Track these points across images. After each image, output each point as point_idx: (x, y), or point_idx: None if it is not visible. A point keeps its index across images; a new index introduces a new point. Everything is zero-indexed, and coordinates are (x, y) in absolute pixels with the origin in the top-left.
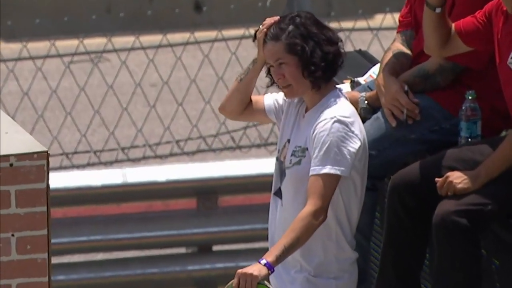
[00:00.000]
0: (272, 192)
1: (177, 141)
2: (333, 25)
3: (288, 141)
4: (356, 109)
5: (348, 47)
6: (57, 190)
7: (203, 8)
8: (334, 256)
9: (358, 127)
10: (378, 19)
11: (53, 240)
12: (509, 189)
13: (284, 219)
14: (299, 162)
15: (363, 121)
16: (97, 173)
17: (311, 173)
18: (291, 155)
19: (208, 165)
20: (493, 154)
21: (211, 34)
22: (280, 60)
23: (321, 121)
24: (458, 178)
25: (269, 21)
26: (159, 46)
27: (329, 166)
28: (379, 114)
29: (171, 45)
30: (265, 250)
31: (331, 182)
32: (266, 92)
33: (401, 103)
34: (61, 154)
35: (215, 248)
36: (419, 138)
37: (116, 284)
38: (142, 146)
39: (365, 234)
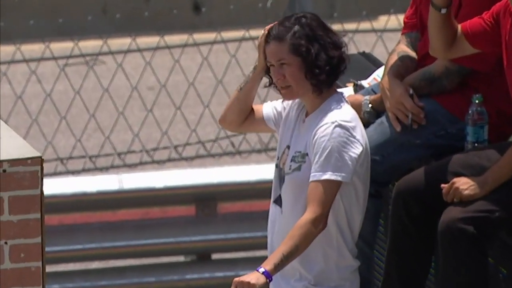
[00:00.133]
0: (272, 200)
1: (175, 146)
2: (336, 26)
3: (288, 147)
4: (359, 113)
5: (351, 49)
6: (51, 196)
7: (202, 9)
8: (335, 264)
9: (360, 132)
10: (382, 21)
11: (47, 248)
12: None
13: (284, 226)
14: (299, 168)
15: (367, 125)
16: (92, 179)
17: (311, 179)
18: (291, 160)
19: (207, 171)
20: (500, 160)
21: (210, 35)
22: (282, 61)
23: (321, 126)
24: (464, 184)
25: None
26: (157, 48)
27: (329, 172)
28: (383, 118)
29: (168, 47)
30: (266, 258)
31: (331, 189)
32: (265, 100)
33: (406, 107)
34: (56, 160)
35: (214, 256)
36: (424, 143)
37: None
38: (139, 151)
39: (369, 241)
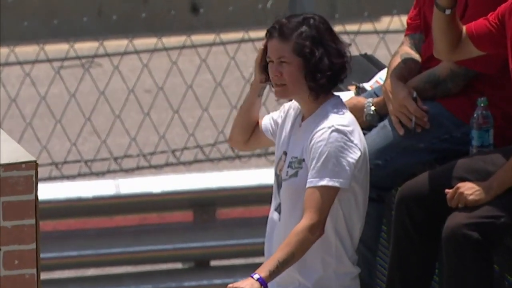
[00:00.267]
0: (273, 208)
1: (173, 151)
2: (338, 28)
3: (285, 153)
4: (362, 115)
5: (353, 51)
6: (46, 202)
7: (200, 10)
8: (334, 271)
9: (358, 136)
10: (385, 22)
11: (42, 255)
12: None
13: (281, 233)
14: (295, 174)
15: (370, 128)
16: (88, 184)
17: (308, 185)
18: (288, 166)
19: (206, 175)
20: (506, 164)
21: (209, 37)
22: (283, 58)
23: (318, 131)
24: (469, 190)
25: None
26: (154, 50)
27: (327, 178)
28: (386, 121)
29: (166, 49)
30: None
31: (329, 195)
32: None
33: (409, 111)
34: (51, 164)
35: (213, 263)
36: (428, 147)
37: None
38: (136, 155)
39: (371, 247)
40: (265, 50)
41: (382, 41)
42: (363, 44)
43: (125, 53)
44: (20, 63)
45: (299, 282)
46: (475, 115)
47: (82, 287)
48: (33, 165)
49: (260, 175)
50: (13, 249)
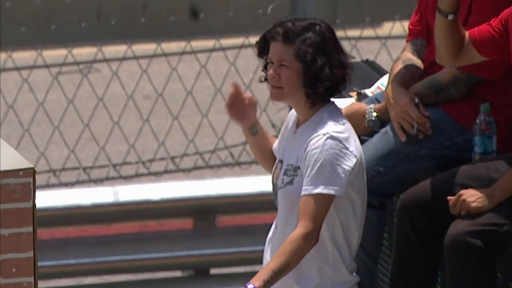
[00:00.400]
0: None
1: (172, 157)
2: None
3: (281, 161)
4: (362, 122)
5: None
6: (44, 209)
7: (199, 15)
8: (331, 279)
9: (354, 143)
10: (387, 27)
11: (39, 263)
12: None
13: (277, 241)
14: (291, 182)
15: (371, 134)
16: (86, 191)
17: (303, 192)
18: (283, 174)
19: (205, 182)
20: (509, 171)
21: (209, 42)
22: (283, 62)
23: (313, 138)
24: (472, 197)
25: (235, 89)
26: (153, 55)
27: (322, 186)
28: (388, 128)
29: (165, 55)
30: None
31: (324, 203)
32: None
33: (411, 117)
34: (48, 171)
35: (213, 271)
36: (430, 154)
37: None
38: (134, 162)
39: (373, 255)
40: (235, 92)
41: (383, 46)
42: (365, 50)
43: (124, 58)
44: (17, 68)
45: None
46: (477, 121)
47: None
48: (31, 172)
49: (261, 182)
50: (11, 257)
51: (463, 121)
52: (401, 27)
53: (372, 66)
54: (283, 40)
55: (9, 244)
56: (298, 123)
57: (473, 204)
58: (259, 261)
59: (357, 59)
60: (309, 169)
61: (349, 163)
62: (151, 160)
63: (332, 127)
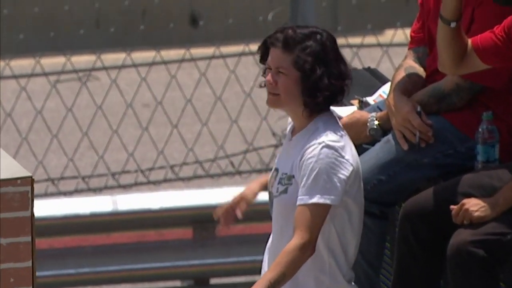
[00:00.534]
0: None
1: (172, 166)
2: (340, 41)
3: (276, 170)
4: (364, 130)
5: (356, 65)
6: (42, 219)
7: (199, 23)
8: None
9: (350, 152)
10: (389, 35)
11: (38, 273)
12: None
13: (273, 251)
14: (285, 191)
15: (373, 143)
16: (85, 200)
17: (298, 202)
18: (278, 183)
19: (205, 192)
20: None
21: (208, 50)
22: (281, 69)
23: (309, 147)
24: (474, 206)
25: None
26: (152, 63)
27: (317, 195)
28: (389, 136)
29: (165, 62)
30: None
31: (320, 213)
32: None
33: (413, 125)
34: (47, 180)
35: (213, 281)
36: (433, 163)
37: None
38: (133, 171)
39: (374, 265)
40: (239, 198)
41: (385, 54)
42: (366, 58)
43: (123, 66)
44: (15, 76)
45: None
46: (480, 130)
47: None
48: (29, 181)
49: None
50: (9, 267)
51: (465, 130)
52: (403, 34)
53: (373, 74)
54: (282, 47)
55: (7, 254)
56: (293, 131)
57: (476, 213)
58: (259, 270)
59: (359, 66)
60: (304, 179)
61: (345, 172)
62: (150, 169)
63: (327, 136)
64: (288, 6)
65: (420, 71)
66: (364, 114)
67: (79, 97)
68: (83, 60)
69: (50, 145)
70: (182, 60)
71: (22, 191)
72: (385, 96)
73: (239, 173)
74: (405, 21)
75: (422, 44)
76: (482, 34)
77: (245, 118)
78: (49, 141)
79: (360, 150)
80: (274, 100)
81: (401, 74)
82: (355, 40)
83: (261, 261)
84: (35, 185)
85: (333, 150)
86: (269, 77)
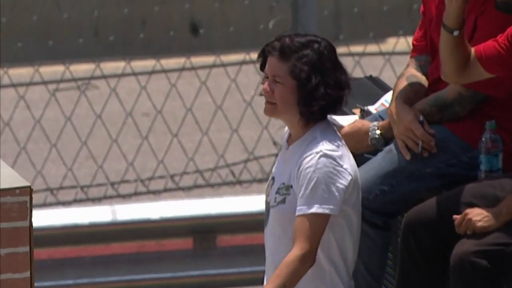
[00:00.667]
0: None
1: (172, 176)
2: (342, 49)
3: (273, 178)
4: (366, 140)
5: (358, 73)
6: (41, 229)
7: (200, 31)
8: None
9: (348, 161)
10: (391, 43)
11: (36, 284)
12: None
13: (271, 262)
14: (283, 201)
15: (375, 152)
16: (84, 210)
17: (297, 213)
18: (276, 192)
19: (206, 201)
20: None
21: (209, 59)
22: (277, 78)
23: (306, 157)
24: (478, 216)
25: None
26: (152, 72)
27: (316, 205)
28: (391, 146)
29: (165, 71)
30: None
31: (319, 223)
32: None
33: (415, 134)
34: (46, 190)
35: None
36: (435, 172)
37: None
38: (133, 181)
39: (376, 275)
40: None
41: (387, 62)
42: (368, 66)
43: (123, 75)
44: (14, 85)
45: None
46: (483, 139)
47: None
48: (28, 190)
49: (262, 201)
50: (7, 277)
51: (468, 139)
52: (405, 42)
53: (375, 82)
54: (279, 56)
55: (5, 265)
56: (289, 139)
57: (479, 224)
58: (260, 281)
59: (361, 75)
60: (302, 189)
61: (343, 181)
62: (150, 179)
63: (325, 145)
64: (289, 14)
65: (422, 79)
66: (365, 123)
67: (78, 106)
68: (82, 68)
69: (49, 155)
70: (182, 69)
71: (21, 201)
72: (387, 105)
73: (240, 182)
74: (407, 29)
75: (424, 53)
76: (485, 43)
77: (246, 127)
78: (48, 151)
79: (362, 159)
80: (271, 109)
81: (403, 83)
82: (357, 48)
83: (263, 272)
84: (33, 195)
85: (331, 159)
86: (265, 85)
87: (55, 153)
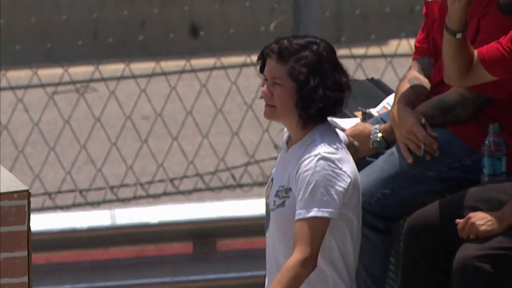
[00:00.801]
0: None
1: (172, 179)
2: (344, 51)
3: (272, 180)
4: (367, 143)
5: (360, 76)
6: (39, 233)
7: (200, 33)
8: None
9: (347, 163)
10: (393, 45)
11: None
12: None
13: (271, 266)
14: (283, 204)
15: (377, 156)
16: (83, 214)
17: (296, 217)
18: (275, 195)
19: (206, 205)
20: None
21: (209, 61)
22: (277, 80)
23: (305, 160)
24: (481, 220)
25: None
26: (152, 74)
27: (315, 209)
28: (393, 149)
29: (165, 74)
30: None
31: (319, 226)
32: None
33: (417, 137)
34: (44, 194)
35: None
36: (438, 176)
37: None
38: (132, 184)
39: (378, 279)
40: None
41: (389, 65)
42: (370, 68)
43: (122, 77)
44: (12, 88)
45: None
46: (486, 142)
47: None
48: (26, 194)
49: (263, 205)
50: (4, 282)
51: (471, 142)
52: (407, 45)
53: (377, 85)
54: (277, 58)
55: (3, 269)
56: (290, 142)
57: (482, 228)
58: (261, 286)
59: (363, 77)
60: (301, 192)
61: (343, 183)
62: (150, 182)
63: (323, 148)
64: (290, 16)
65: (425, 82)
66: (367, 126)
67: (76, 109)
68: (81, 71)
69: (47, 158)
70: (182, 71)
71: (19, 205)
72: (389, 108)
73: (240, 186)
74: (409, 31)
75: (427, 55)
76: (488, 45)
77: (246, 130)
78: (46, 154)
79: (364, 162)
80: (270, 111)
81: (406, 85)
82: (359, 50)
83: (263, 276)
84: (31, 199)
85: (329, 162)
86: (264, 88)
87: (54, 157)
